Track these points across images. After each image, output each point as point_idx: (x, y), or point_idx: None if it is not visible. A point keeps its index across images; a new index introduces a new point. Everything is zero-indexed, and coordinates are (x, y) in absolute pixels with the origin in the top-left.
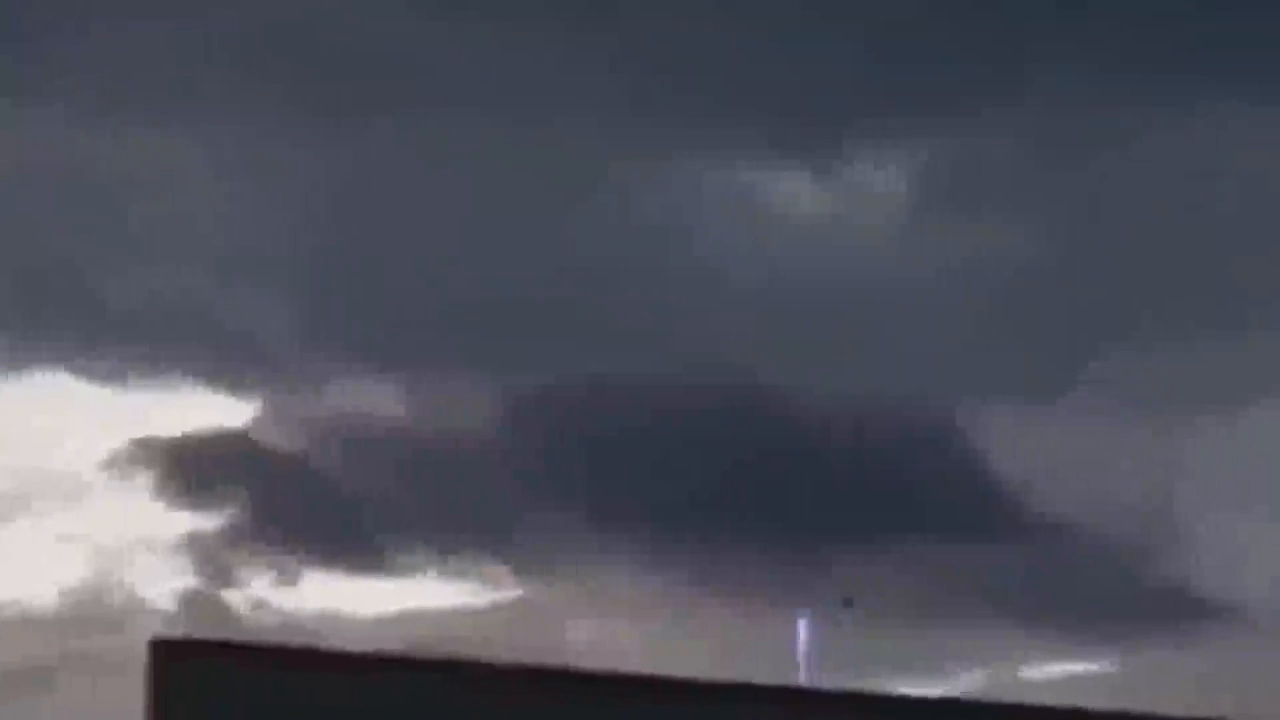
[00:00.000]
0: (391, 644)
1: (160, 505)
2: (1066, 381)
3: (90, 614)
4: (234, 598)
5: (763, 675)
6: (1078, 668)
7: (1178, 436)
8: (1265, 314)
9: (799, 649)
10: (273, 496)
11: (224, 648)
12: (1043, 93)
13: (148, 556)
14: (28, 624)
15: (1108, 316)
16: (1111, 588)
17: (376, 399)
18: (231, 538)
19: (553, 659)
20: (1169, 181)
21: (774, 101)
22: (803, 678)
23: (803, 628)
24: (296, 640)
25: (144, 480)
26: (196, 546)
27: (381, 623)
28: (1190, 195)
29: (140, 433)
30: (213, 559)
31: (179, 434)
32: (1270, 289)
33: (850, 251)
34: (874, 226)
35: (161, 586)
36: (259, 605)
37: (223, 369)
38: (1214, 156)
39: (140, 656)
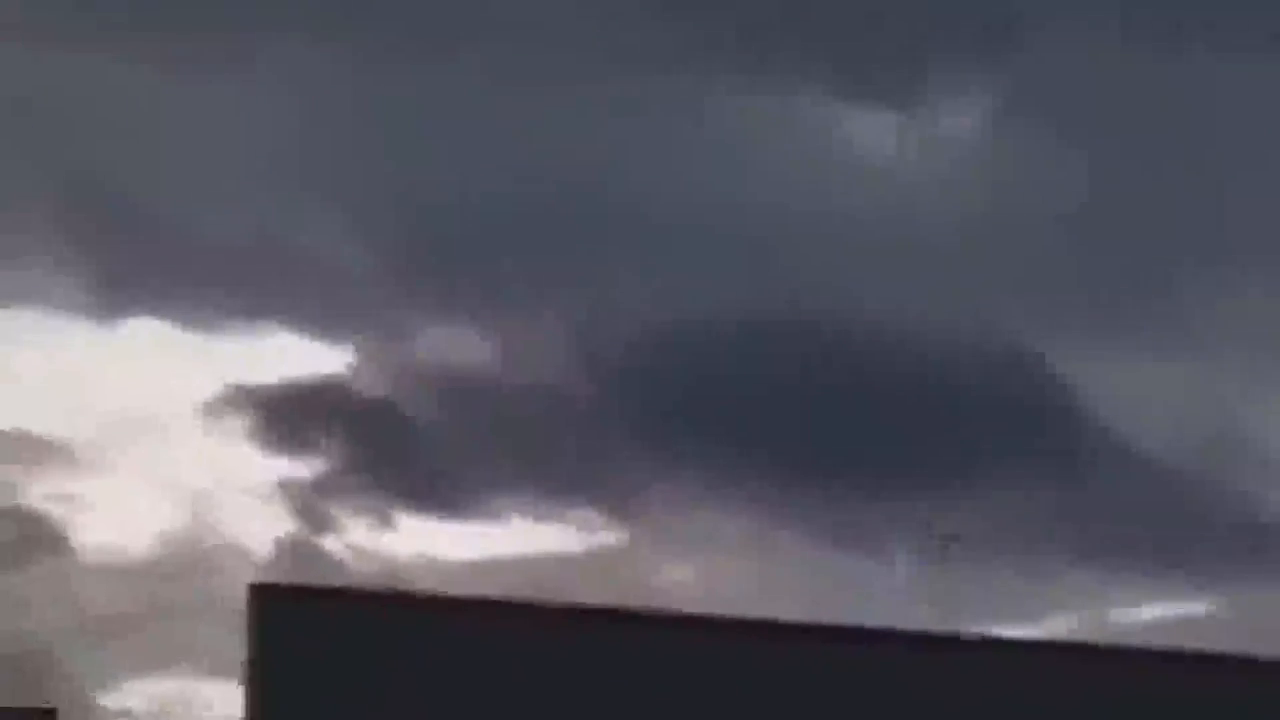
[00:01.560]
0: (486, 589)
1: (256, 451)
2: (1152, 317)
3: (187, 559)
4: (329, 543)
5: (854, 614)
6: (1170, 610)
7: (1269, 373)
8: None
9: (899, 590)
10: (367, 442)
11: (322, 592)
12: (1127, 25)
13: (244, 502)
14: (125, 570)
15: (1195, 250)
16: (1203, 527)
17: (467, 346)
18: (326, 483)
19: (647, 602)
20: (1259, 113)
21: (854, 42)
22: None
23: (901, 570)
24: (392, 585)
25: (240, 426)
26: (292, 492)
27: (476, 568)
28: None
29: (236, 379)
30: (308, 505)
31: (274, 380)
32: None
33: (931, 191)
34: (953, 165)
35: (258, 532)
36: (354, 550)
37: (317, 317)
38: None
39: (236, 602)
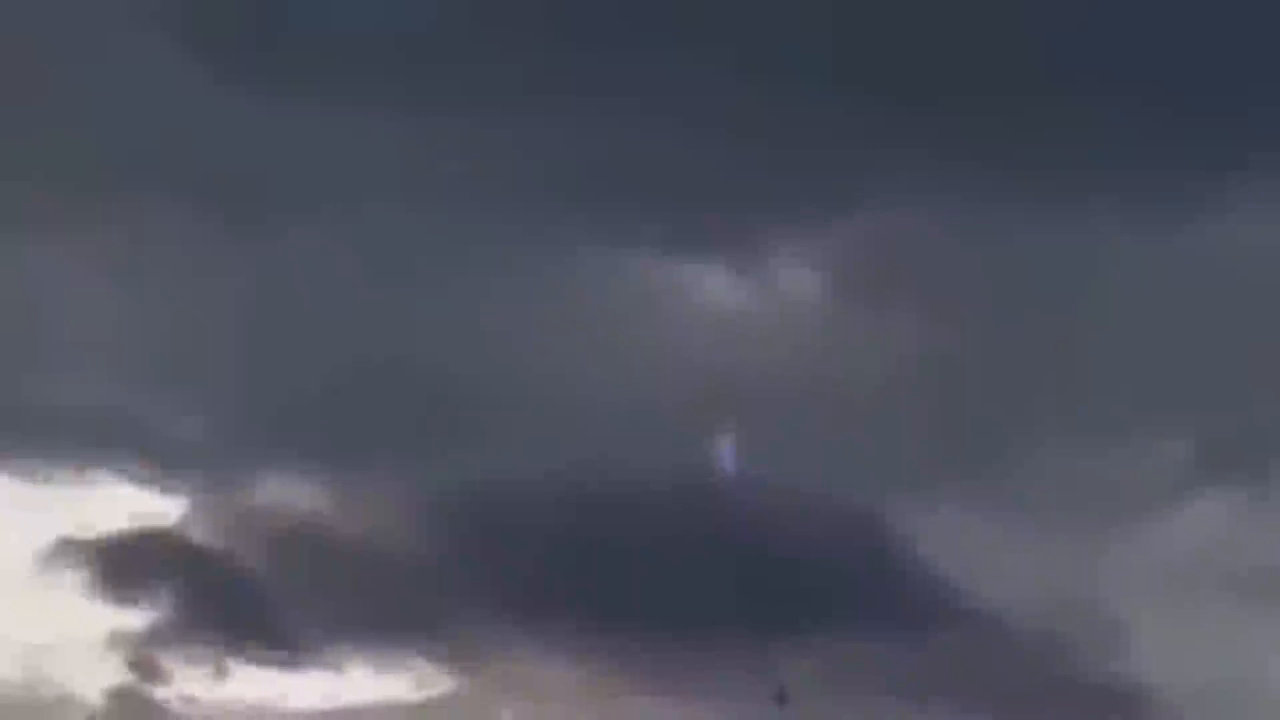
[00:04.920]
0: None
1: (88, 603)
2: (993, 475)
3: (21, 712)
4: (163, 693)
5: None
6: None
7: (1109, 532)
8: (1197, 410)
9: None
10: (201, 593)
11: None
12: (957, 188)
13: (77, 654)
14: None
15: (1032, 409)
16: (1043, 681)
17: (302, 496)
18: (160, 634)
19: None
20: (1096, 278)
21: (691, 198)
22: None
23: None
24: None
25: (72, 578)
26: (125, 643)
27: (312, 718)
28: (1116, 290)
29: (68, 531)
30: (142, 655)
31: (107, 532)
32: (1205, 387)
33: (770, 345)
34: (793, 320)
35: (91, 683)
36: (189, 701)
37: (150, 468)
38: (1155, 251)
39: None
